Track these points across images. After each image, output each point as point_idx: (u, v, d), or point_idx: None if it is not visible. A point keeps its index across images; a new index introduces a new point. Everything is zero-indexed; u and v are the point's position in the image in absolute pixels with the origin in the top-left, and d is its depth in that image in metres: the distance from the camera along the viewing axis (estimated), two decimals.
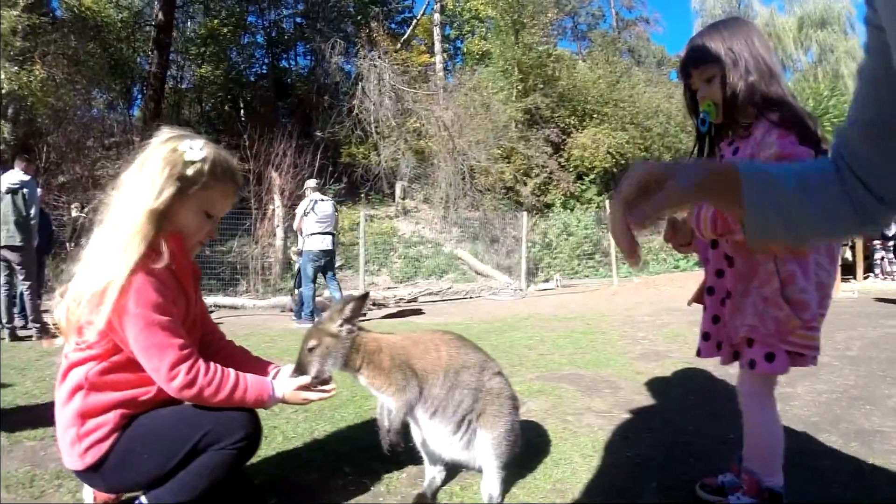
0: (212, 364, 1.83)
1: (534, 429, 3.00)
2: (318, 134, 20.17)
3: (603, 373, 4.40)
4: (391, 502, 2.23)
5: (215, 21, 23.18)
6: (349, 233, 16.78)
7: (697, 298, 2.18)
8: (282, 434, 2.95)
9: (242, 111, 24.28)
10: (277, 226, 15.16)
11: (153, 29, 19.82)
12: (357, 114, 19.28)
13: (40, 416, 3.04)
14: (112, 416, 1.78)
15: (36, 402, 3.73)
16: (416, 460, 2.37)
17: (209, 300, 11.34)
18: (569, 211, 19.36)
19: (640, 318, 7.89)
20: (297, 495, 2.31)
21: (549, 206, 20.00)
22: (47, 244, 9.04)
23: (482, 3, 24.76)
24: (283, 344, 6.19)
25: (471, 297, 13.18)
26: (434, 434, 2.19)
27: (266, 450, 2.69)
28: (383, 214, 18.94)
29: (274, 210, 15.46)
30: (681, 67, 2.04)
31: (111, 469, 1.78)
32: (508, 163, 19.82)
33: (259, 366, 2.16)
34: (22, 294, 7.30)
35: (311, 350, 2.07)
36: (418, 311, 10.23)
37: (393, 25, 26.70)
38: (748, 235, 0.90)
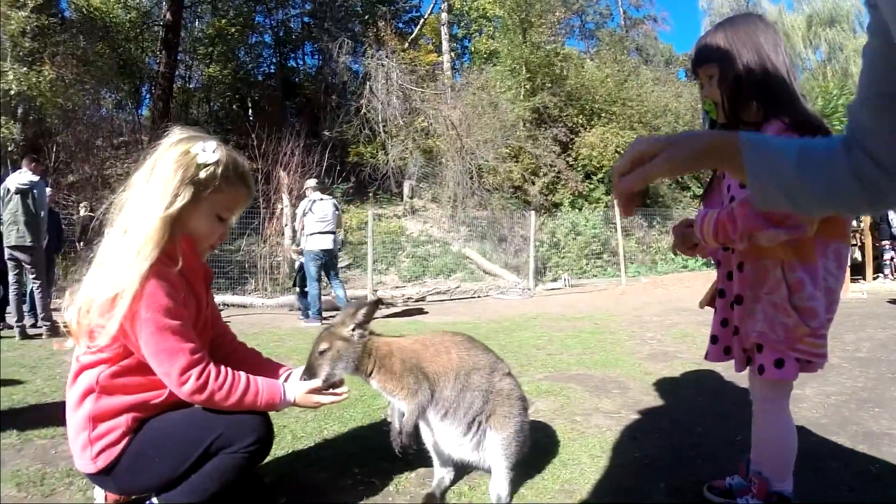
0: (222, 368, 1.83)
1: (542, 429, 3.00)
2: (326, 133, 20.20)
3: (611, 373, 4.40)
4: (400, 502, 2.24)
5: (223, 21, 23.27)
6: (357, 232, 16.82)
7: (709, 301, 2.17)
8: (291, 433, 2.96)
9: (250, 111, 24.32)
10: (286, 225, 15.17)
11: (161, 29, 19.90)
12: (365, 113, 19.28)
13: (51, 414, 3.07)
14: (123, 420, 1.78)
15: (47, 400, 3.76)
16: (426, 460, 2.37)
17: (218, 299, 11.38)
18: (577, 210, 19.30)
19: (649, 317, 7.87)
20: (306, 494, 2.32)
21: (557, 205, 19.95)
22: (57, 243, 9.13)
23: (490, 2, 24.75)
24: (292, 343, 6.21)
25: (479, 297, 13.17)
26: (445, 435, 2.20)
27: (276, 449, 2.70)
28: (391, 213, 18.95)
29: (282, 209, 15.49)
30: (690, 67, 2.04)
31: (123, 472, 1.79)
32: (516, 162, 19.78)
33: (270, 368, 2.17)
34: (32, 292, 7.37)
35: (322, 353, 2.08)
36: (420, 311, 10.25)
37: (400, 25, 26.71)
38: (753, 201, 0.94)
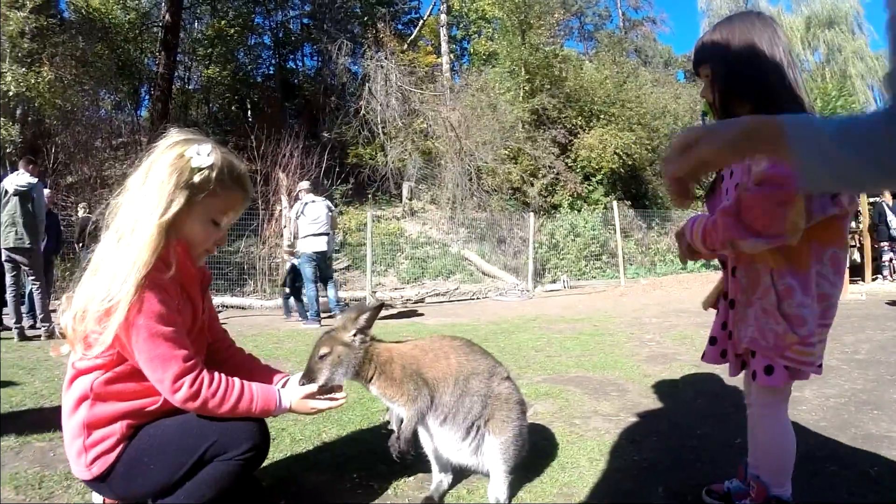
0: (216, 374, 1.82)
1: (540, 432, 3.00)
2: (325, 135, 20.22)
3: (610, 375, 4.40)
4: None
5: (222, 22, 23.29)
6: (356, 233, 16.83)
7: (713, 303, 2.16)
8: (290, 436, 2.96)
9: (249, 112, 24.33)
10: (285, 226, 15.17)
11: (160, 30, 19.88)
12: (364, 114, 19.30)
13: (49, 416, 3.07)
14: (118, 427, 1.77)
15: (45, 402, 3.76)
16: (424, 464, 2.37)
17: (217, 300, 11.40)
18: (576, 212, 19.31)
19: (648, 319, 7.87)
20: (304, 497, 2.32)
21: (556, 206, 19.95)
22: (56, 245, 9.12)
23: (489, 4, 24.73)
24: (291, 345, 6.20)
25: (478, 298, 13.18)
26: (443, 440, 2.20)
27: (274, 452, 2.71)
28: (390, 215, 18.95)
29: (281, 211, 15.48)
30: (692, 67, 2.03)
31: (118, 479, 1.78)
32: (515, 163, 19.79)
33: (267, 374, 2.15)
34: (31, 294, 7.36)
35: (322, 357, 2.07)
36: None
37: (400, 26, 26.78)
38: (801, 184, 0.93)
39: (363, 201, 18.94)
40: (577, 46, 33.50)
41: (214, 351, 2.15)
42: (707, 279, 13.70)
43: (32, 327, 7.36)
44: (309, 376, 2.05)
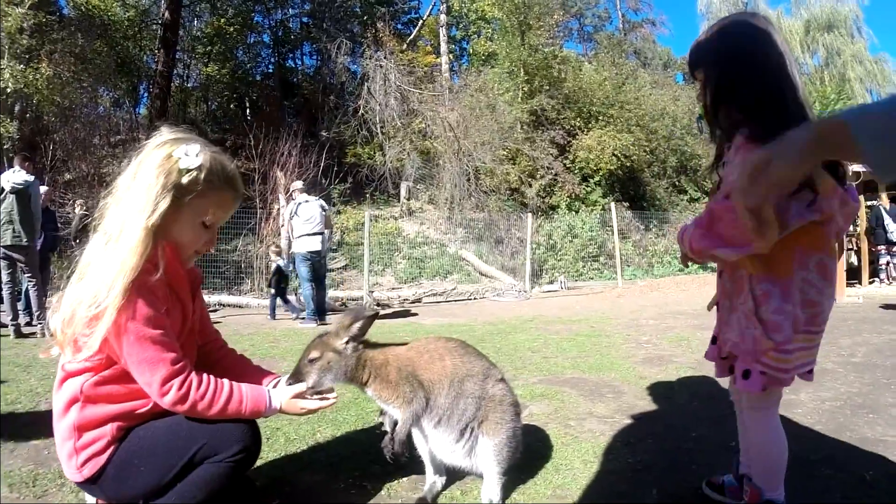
0: (205, 377, 1.80)
1: (535, 433, 2.99)
2: (324, 134, 20.23)
3: (606, 377, 4.39)
4: None
5: (222, 20, 23.31)
6: (354, 233, 16.83)
7: (716, 304, 2.15)
8: (284, 436, 2.95)
9: (248, 110, 24.36)
10: (282, 225, 15.18)
11: (160, 27, 19.92)
12: (363, 114, 19.31)
13: (44, 414, 3.06)
14: (108, 429, 1.76)
15: (40, 400, 3.74)
16: (418, 465, 2.36)
17: (213, 298, 11.40)
18: (574, 213, 19.35)
19: (645, 321, 7.87)
20: (298, 497, 2.31)
21: (554, 207, 19.99)
22: (52, 242, 9.10)
23: (488, 5, 24.79)
24: (287, 344, 6.19)
25: (475, 299, 13.19)
26: (438, 442, 2.20)
27: (268, 452, 2.70)
28: (388, 215, 18.96)
29: (278, 209, 15.47)
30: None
31: (109, 481, 1.78)
32: (514, 164, 19.82)
33: (259, 375, 2.13)
34: (27, 291, 7.35)
35: (311, 361, 2.07)
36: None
37: (399, 26, 26.81)
38: (880, 176, 0.92)
39: (361, 201, 18.97)
40: (576, 48, 33.63)
41: (206, 352, 2.14)
42: (704, 281, 13.70)
43: (29, 324, 7.35)
44: (296, 378, 2.04)
